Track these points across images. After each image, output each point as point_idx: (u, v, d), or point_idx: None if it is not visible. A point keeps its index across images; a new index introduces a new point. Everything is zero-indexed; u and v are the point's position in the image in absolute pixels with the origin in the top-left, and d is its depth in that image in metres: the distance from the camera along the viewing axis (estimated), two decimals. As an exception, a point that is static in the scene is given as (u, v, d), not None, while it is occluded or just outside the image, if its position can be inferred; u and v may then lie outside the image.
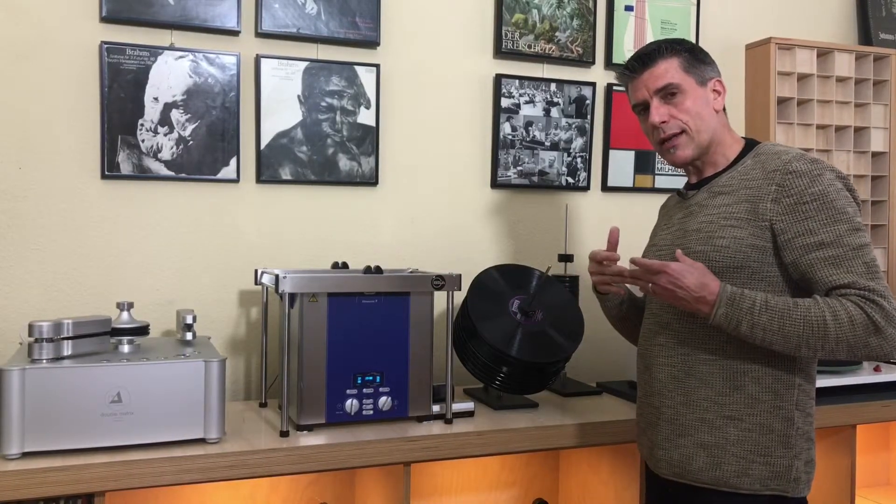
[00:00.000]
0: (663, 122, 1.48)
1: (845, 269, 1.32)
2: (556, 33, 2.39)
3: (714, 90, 1.50)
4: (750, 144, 1.52)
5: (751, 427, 1.40)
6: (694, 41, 2.45)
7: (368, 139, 2.19)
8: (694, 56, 1.50)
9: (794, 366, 1.41)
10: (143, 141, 1.99)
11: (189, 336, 1.81)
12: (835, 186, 1.36)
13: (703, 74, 1.50)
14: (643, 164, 2.52)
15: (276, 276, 1.68)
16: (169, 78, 2.00)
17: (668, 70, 1.47)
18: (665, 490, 1.54)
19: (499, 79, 2.32)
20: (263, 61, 2.08)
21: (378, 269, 1.84)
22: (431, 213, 2.29)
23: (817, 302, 1.32)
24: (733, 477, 1.40)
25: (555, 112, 2.40)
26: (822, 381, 2.05)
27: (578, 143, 2.43)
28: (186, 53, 2.01)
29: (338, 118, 2.16)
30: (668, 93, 1.48)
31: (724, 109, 1.53)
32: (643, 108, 1.52)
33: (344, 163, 2.17)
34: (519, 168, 2.36)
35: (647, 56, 1.49)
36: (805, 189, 1.35)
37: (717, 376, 1.42)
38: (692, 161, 1.51)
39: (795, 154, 1.40)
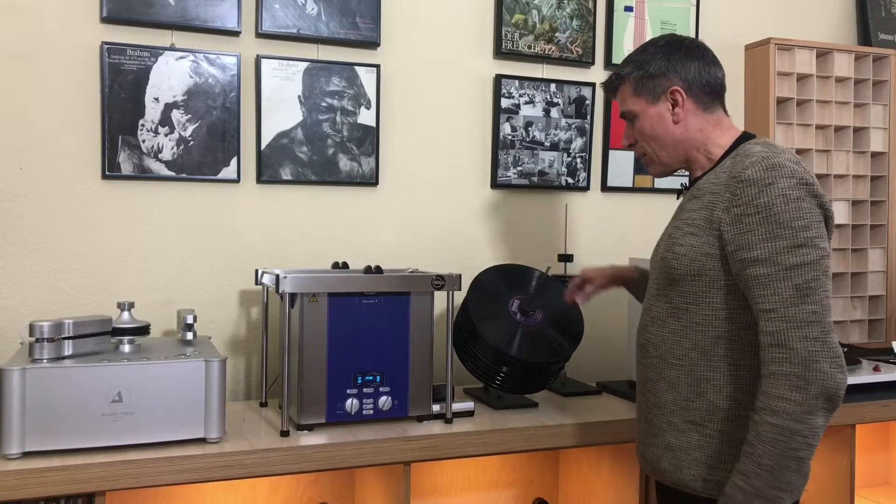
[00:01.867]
0: (630, 144, 1.56)
1: (772, 290, 1.28)
2: (556, 34, 2.39)
3: (671, 101, 1.47)
4: (742, 140, 1.46)
5: (712, 434, 1.39)
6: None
7: (369, 139, 2.19)
8: (645, 72, 1.48)
9: (759, 376, 1.36)
10: (143, 141, 1.99)
11: (189, 336, 1.81)
12: (786, 197, 1.29)
13: (656, 89, 1.48)
14: (643, 165, 2.52)
15: (277, 276, 1.68)
16: (169, 78, 2.00)
17: (622, 97, 1.54)
18: (655, 483, 1.58)
19: (499, 79, 2.33)
20: (264, 62, 2.08)
21: (378, 269, 1.84)
22: (431, 213, 2.29)
23: (755, 421, 1.28)
24: (692, 481, 1.40)
25: (554, 112, 2.40)
26: (822, 381, 2.05)
27: (578, 143, 2.43)
28: (187, 54, 2.01)
29: (338, 118, 2.16)
30: (629, 118, 1.53)
31: (708, 108, 1.47)
32: None
33: (344, 163, 2.17)
34: (519, 168, 2.37)
35: (610, 83, 1.56)
36: (752, 200, 1.31)
37: (683, 382, 1.42)
38: (668, 173, 1.56)
39: (758, 158, 1.33)
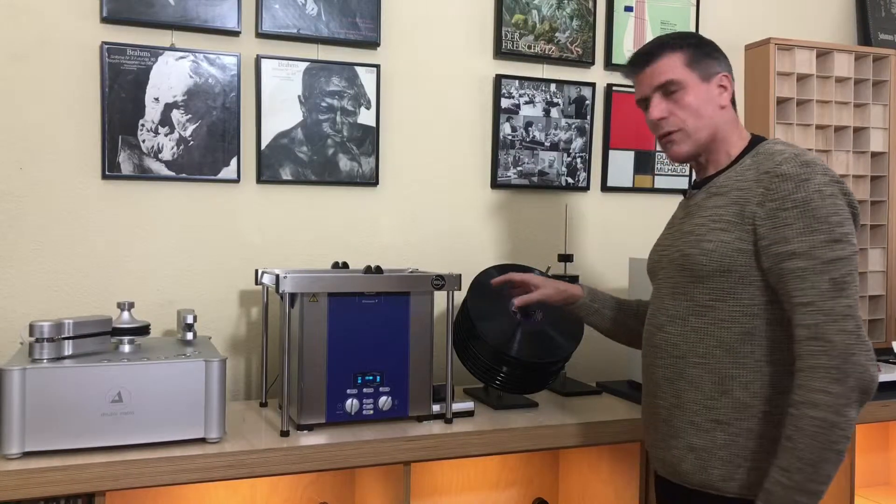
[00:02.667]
0: (662, 118, 1.48)
1: (810, 284, 1.29)
2: (556, 34, 2.39)
3: (720, 86, 1.48)
4: (755, 142, 1.49)
5: (738, 432, 1.38)
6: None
7: (368, 139, 2.19)
8: (700, 50, 1.47)
9: (785, 372, 1.38)
10: (143, 141, 1.99)
11: (189, 336, 1.81)
12: (821, 193, 1.31)
13: (709, 69, 1.47)
14: (643, 165, 2.52)
15: (277, 276, 1.68)
16: (169, 78, 2.00)
17: (671, 66, 1.47)
18: (662, 486, 1.55)
19: (499, 79, 2.33)
20: (264, 62, 2.08)
21: (378, 269, 1.84)
22: (431, 213, 2.30)
23: (793, 415, 1.28)
24: (719, 481, 1.39)
25: (554, 112, 2.40)
26: (822, 381, 2.05)
27: (578, 143, 2.43)
28: (187, 54, 2.01)
29: (338, 118, 2.16)
30: (669, 90, 1.47)
31: (735, 104, 1.51)
32: (646, 105, 1.52)
33: (344, 163, 2.17)
34: (519, 168, 2.37)
35: (651, 52, 1.49)
36: (788, 194, 1.32)
37: (707, 380, 1.41)
38: (692, 157, 1.51)
39: (789, 155, 1.36)
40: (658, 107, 1.48)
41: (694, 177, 1.61)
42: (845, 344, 1.26)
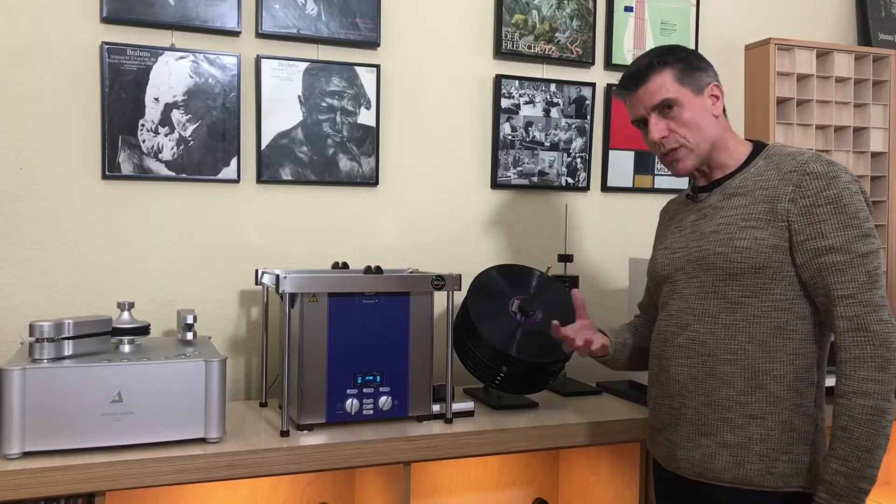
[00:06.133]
0: (663, 137, 1.50)
1: (849, 277, 1.35)
2: (556, 34, 2.39)
3: (712, 95, 1.50)
4: (758, 146, 1.53)
5: (773, 425, 1.41)
6: (693, 42, 2.50)
7: (369, 139, 2.19)
8: (689, 65, 1.49)
9: (814, 363, 1.43)
10: (143, 141, 1.99)
11: (190, 336, 1.81)
12: (849, 190, 1.38)
13: (700, 82, 1.49)
14: (643, 165, 2.53)
15: (277, 276, 1.68)
16: (169, 78, 2.00)
17: (663, 84, 1.48)
18: (681, 488, 1.53)
19: (499, 79, 2.33)
20: (264, 62, 2.08)
21: (378, 269, 1.84)
22: (431, 213, 2.30)
23: (844, 405, 1.34)
24: (756, 476, 1.41)
25: (554, 112, 2.40)
26: (822, 381, 2.05)
27: (578, 143, 2.43)
28: (187, 54, 2.01)
29: (338, 118, 2.16)
30: (665, 107, 1.49)
31: (725, 112, 1.54)
32: (643, 124, 1.54)
33: (344, 163, 2.17)
34: (519, 168, 2.37)
35: (640, 72, 1.50)
36: (821, 191, 1.38)
37: (739, 376, 1.43)
38: (693, 170, 1.53)
39: (811, 155, 1.42)
40: (657, 126, 1.50)
41: (695, 182, 1.61)
42: (885, 332, 1.33)
